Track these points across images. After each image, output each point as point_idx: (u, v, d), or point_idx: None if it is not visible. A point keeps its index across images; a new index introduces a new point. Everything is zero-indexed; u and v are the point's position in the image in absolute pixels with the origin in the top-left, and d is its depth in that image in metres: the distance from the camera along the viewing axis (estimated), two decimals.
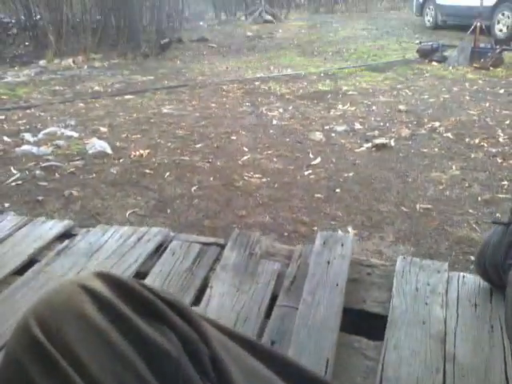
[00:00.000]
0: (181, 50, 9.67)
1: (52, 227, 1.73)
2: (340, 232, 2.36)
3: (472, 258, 2.21)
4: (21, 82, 6.93)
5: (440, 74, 6.36)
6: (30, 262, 1.55)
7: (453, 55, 6.86)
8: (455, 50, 6.95)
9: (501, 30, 9.08)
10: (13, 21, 11.66)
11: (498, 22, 9.11)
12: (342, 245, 1.38)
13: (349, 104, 4.90)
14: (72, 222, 1.82)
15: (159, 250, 1.54)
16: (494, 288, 1.21)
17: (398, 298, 1.19)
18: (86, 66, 8.04)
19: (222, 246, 1.50)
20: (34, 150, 3.66)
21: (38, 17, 10.38)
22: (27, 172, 3.28)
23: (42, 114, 4.92)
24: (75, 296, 0.48)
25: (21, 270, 1.51)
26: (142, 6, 10.19)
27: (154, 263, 1.46)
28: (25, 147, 3.72)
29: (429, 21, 11.45)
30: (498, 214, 2.59)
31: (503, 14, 9.02)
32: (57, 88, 6.30)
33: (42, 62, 8.46)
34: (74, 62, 8.29)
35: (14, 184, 3.09)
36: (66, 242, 1.62)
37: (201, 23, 14.94)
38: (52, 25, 9.36)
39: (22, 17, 10.90)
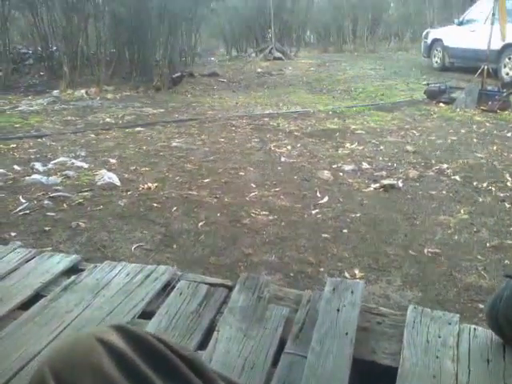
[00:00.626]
0: (192, 84, 9.86)
1: (59, 261, 1.73)
2: (349, 277, 2.34)
3: (481, 306, 2.17)
4: (34, 110, 7.06)
5: (447, 115, 6.43)
6: (36, 297, 1.54)
7: (460, 97, 6.94)
8: (463, 92, 7.04)
9: (507, 74, 9.23)
10: (30, 51, 12.00)
11: (505, 66, 9.26)
12: (352, 292, 1.37)
13: (357, 143, 4.94)
14: (79, 256, 1.82)
15: (166, 289, 1.54)
16: (506, 343, 1.19)
17: (409, 349, 1.17)
18: (98, 98, 8.19)
19: (230, 288, 1.49)
20: (44, 179, 3.70)
21: (54, 48, 10.67)
22: (35, 202, 3.30)
23: (53, 143, 4.99)
24: (92, 349, 0.48)
25: (27, 304, 1.50)
26: (156, 41, 10.43)
27: (161, 303, 1.45)
28: (34, 176, 3.76)
29: (436, 62, 11.66)
30: (506, 261, 2.56)
31: (510, 58, 9.18)
32: (69, 118, 6.41)
33: (55, 92, 8.64)
34: (86, 93, 8.46)
35: (21, 213, 3.11)
36: (73, 277, 1.62)
37: (212, 58, 15.28)
38: (67, 56, 9.60)
39: (39, 48, 11.21)
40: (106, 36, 10.27)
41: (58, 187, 3.57)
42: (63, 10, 9.54)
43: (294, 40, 18.21)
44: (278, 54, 13.88)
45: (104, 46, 10.23)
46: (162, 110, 7.02)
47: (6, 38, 10.20)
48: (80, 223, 2.95)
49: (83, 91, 8.49)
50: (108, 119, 6.38)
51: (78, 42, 9.75)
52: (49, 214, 3.11)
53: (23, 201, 3.31)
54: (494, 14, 6.80)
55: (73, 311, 1.42)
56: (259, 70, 11.81)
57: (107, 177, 3.70)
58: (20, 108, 7.30)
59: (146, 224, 2.97)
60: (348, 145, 4.89)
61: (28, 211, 3.14)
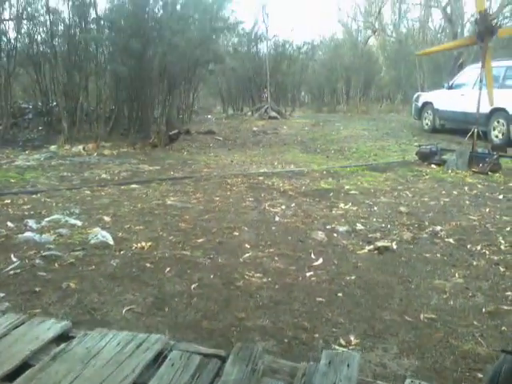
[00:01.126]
0: (188, 141, 10.06)
1: (49, 328, 1.70)
2: (344, 344, 2.30)
3: (479, 375, 2.13)
4: (30, 166, 7.13)
5: (439, 176, 6.55)
6: (24, 366, 1.50)
7: (452, 159, 7.10)
8: (454, 154, 7.21)
9: (497, 136, 9.50)
10: (30, 106, 12.28)
11: (494, 129, 9.55)
12: (348, 365, 1.35)
13: (350, 203, 4.99)
14: (69, 323, 1.79)
15: (158, 359, 1.51)
16: None
17: None
18: (95, 154, 8.31)
19: (223, 359, 1.47)
20: (37, 237, 3.68)
21: (54, 104, 10.94)
22: (27, 260, 3.27)
23: (48, 199, 5.01)
24: None
25: (13, 375, 1.46)
26: (155, 99, 10.74)
27: (152, 375, 1.42)
28: (27, 234, 3.75)
29: (427, 124, 12.01)
30: (503, 328, 2.54)
31: (498, 122, 9.48)
32: (65, 174, 6.47)
33: (53, 147, 8.77)
34: (84, 148, 8.59)
35: (12, 272, 3.07)
36: (63, 345, 1.59)
37: (209, 116, 15.67)
38: (67, 112, 9.83)
39: (39, 103, 11.48)
40: (106, 93, 10.56)
41: (51, 246, 3.55)
42: (66, 68, 9.87)
43: (289, 100, 18.79)
44: (273, 114, 14.27)
45: (104, 103, 10.50)
46: (158, 167, 7.11)
47: (8, 94, 10.47)
48: (71, 284, 2.92)
49: (80, 147, 8.62)
50: (104, 175, 6.45)
51: (79, 98, 10.02)
52: (40, 273, 3.07)
53: (14, 259, 3.28)
54: (481, 81, 7.08)
55: (61, 383, 1.38)
56: (255, 128, 12.09)
57: (101, 235, 3.69)
58: (17, 163, 7.37)
59: (138, 285, 2.94)
60: (342, 205, 4.94)
61: (19, 270, 3.10)
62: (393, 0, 22.03)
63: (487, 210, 4.90)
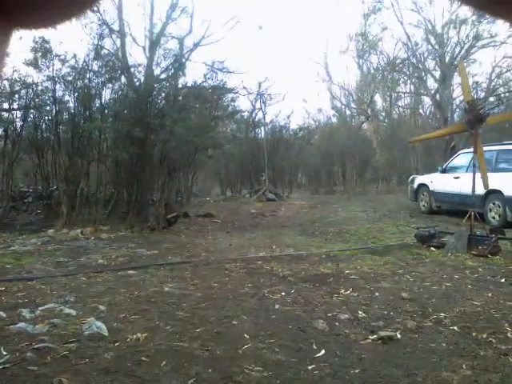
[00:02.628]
0: (187, 224, 10.10)
1: None
2: None
3: None
4: (27, 250, 7.10)
5: (439, 260, 6.51)
6: None
7: (451, 242, 7.10)
8: (452, 236, 7.23)
9: (494, 218, 9.59)
10: (30, 190, 12.47)
11: (490, 210, 9.66)
12: None
13: (351, 289, 4.92)
14: None
15: None
16: None
17: None
18: (93, 238, 8.31)
19: None
20: (30, 328, 3.58)
21: (55, 187, 11.12)
22: (18, 353, 3.15)
23: (43, 287, 4.93)
24: None
25: None
26: (154, 183, 10.94)
27: None
28: (20, 325, 3.64)
29: (424, 206, 12.16)
30: None
31: (494, 204, 9.61)
32: (61, 259, 6.42)
33: (50, 232, 8.77)
34: (82, 232, 8.60)
35: (0, 367, 2.95)
36: None
37: (207, 199, 15.87)
38: (66, 196, 9.96)
39: (40, 187, 11.67)
40: (106, 178, 10.78)
41: (44, 337, 3.44)
42: (68, 154, 10.15)
43: (287, 182, 19.15)
44: (271, 196, 14.47)
45: (104, 187, 10.68)
46: (155, 252, 7.08)
47: (10, 179, 10.67)
48: (62, 379, 2.79)
49: (78, 231, 8.63)
50: (101, 260, 6.40)
51: (79, 183, 10.20)
52: (30, 367, 2.95)
53: (4, 353, 3.16)
54: (474, 165, 7.28)
55: None
56: (253, 210, 12.20)
57: (95, 326, 3.59)
58: (13, 247, 7.35)
59: (132, 381, 2.81)
60: (343, 291, 4.86)
61: (8, 365, 2.98)
62: (383, 89, 23.20)
63: (490, 294, 4.82)
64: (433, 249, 7.17)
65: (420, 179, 12.62)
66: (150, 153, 9.97)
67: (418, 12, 19.73)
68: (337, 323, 3.89)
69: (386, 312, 4.20)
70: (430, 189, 11.81)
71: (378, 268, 5.97)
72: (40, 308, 4.09)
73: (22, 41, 10.30)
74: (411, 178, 13.28)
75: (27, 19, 0.36)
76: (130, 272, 5.64)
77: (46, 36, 9.00)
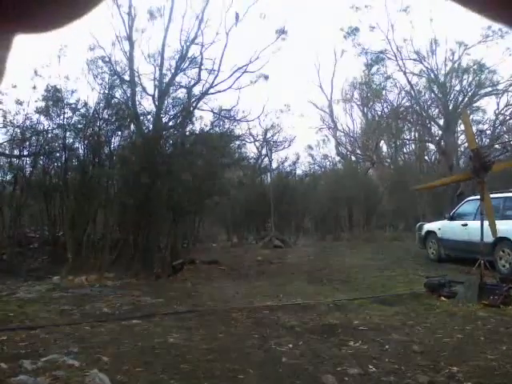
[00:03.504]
0: (192, 271, 10.02)
1: None
2: None
3: None
4: (31, 298, 7.03)
5: (450, 310, 6.37)
6: None
7: (461, 291, 6.97)
8: (463, 286, 7.10)
9: (504, 266, 9.43)
10: (37, 235, 12.49)
11: (500, 259, 9.52)
12: None
13: (360, 341, 4.80)
14: None
15: None
16: None
17: None
18: (98, 285, 8.24)
19: None
20: (31, 381, 3.50)
21: (61, 233, 11.14)
22: None
23: (47, 336, 4.85)
24: None
25: None
26: (161, 229, 10.94)
27: None
28: (21, 377, 3.56)
29: (432, 253, 12.01)
30: None
31: (503, 251, 9.48)
32: (65, 308, 6.35)
33: (55, 279, 8.72)
34: (87, 279, 8.54)
35: None
36: None
37: (214, 245, 15.80)
38: (73, 241, 9.96)
39: (46, 232, 11.69)
40: (113, 223, 10.80)
41: None
42: (76, 199, 10.23)
43: (293, 228, 19.08)
44: (277, 242, 14.41)
45: (110, 233, 10.68)
46: (160, 300, 6.99)
47: (17, 224, 10.72)
48: None
49: (84, 278, 8.58)
50: (105, 309, 6.32)
51: (86, 229, 10.22)
52: None
53: None
54: (481, 213, 7.25)
55: None
56: (259, 257, 12.11)
57: (98, 379, 3.51)
58: (18, 295, 7.29)
59: None
60: (352, 343, 4.74)
61: None
62: (388, 136, 23.49)
63: (504, 347, 4.68)
64: (443, 298, 7.03)
65: (428, 226, 12.53)
66: (156, 198, 10.02)
67: (420, 61, 20.23)
68: (346, 378, 3.77)
69: (396, 366, 4.08)
70: (438, 236, 11.70)
71: (388, 319, 5.85)
72: (42, 359, 4.01)
73: (35, 90, 10.65)
74: (419, 225, 13.19)
75: (28, 23, 0.36)
76: (134, 321, 5.55)
77: (58, 85, 9.30)
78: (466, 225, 10.43)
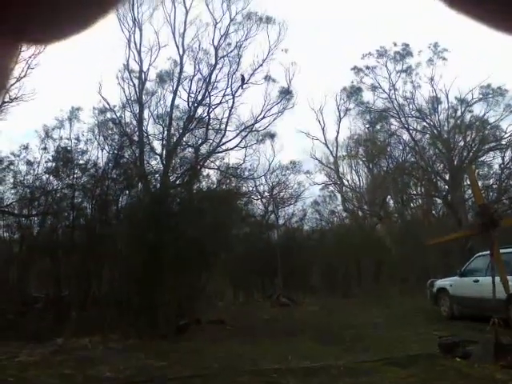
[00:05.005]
0: (198, 331, 9.78)
1: None
2: None
3: None
4: (33, 361, 6.85)
5: (466, 372, 6.10)
6: None
7: (476, 351, 6.71)
8: (478, 345, 6.84)
9: None
10: (42, 295, 12.34)
11: None
12: None
13: None
14: None
15: None
16: None
17: None
18: (101, 347, 8.03)
19: None
20: None
21: (66, 293, 11.01)
22: None
23: None
24: None
25: None
26: (166, 286, 10.79)
27: None
28: None
29: (445, 311, 11.69)
30: None
31: None
32: (67, 372, 6.16)
33: (59, 340, 8.52)
34: (90, 341, 8.34)
35: None
36: None
37: (220, 303, 15.51)
38: (77, 301, 9.83)
39: (51, 292, 11.56)
40: (118, 281, 10.69)
41: None
42: (82, 258, 10.19)
43: (301, 285, 18.77)
44: (285, 300, 14.13)
45: (114, 291, 10.55)
46: (164, 363, 6.78)
47: (22, 285, 10.65)
48: None
49: (87, 339, 8.39)
50: (108, 373, 6.12)
51: (91, 287, 10.12)
52: None
53: None
54: (493, 269, 7.11)
55: None
56: (266, 316, 11.84)
57: None
58: (19, 358, 7.11)
59: None
60: None
61: None
62: (395, 191, 23.55)
63: None
64: (458, 359, 6.76)
65: (439, 283, 12.28)
66: (162, 255, 9.98)
67: (422, 119, 20.62)
68: None
69: None
70: (450, 293, 11.44)
71: (402, 382, 5.60)
72: None
73: (46, 151, 10.92)
74: (430, 281, 12.94)
75: (32, 35, 0.36)
76: None
77: (69, 146, 9.53)
78: (477, 281, 10.21)
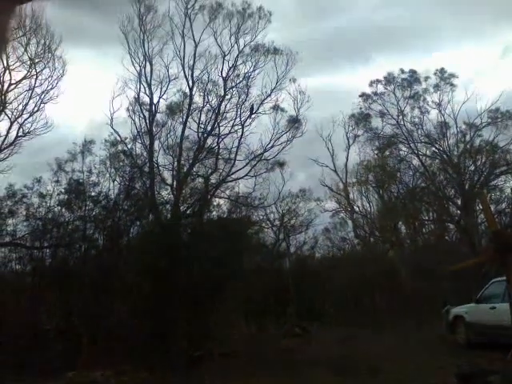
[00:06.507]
0: (210, 363, 9.62)
1: None
2: None
3: None
4: None
5: None
6: None
7: (496, 381, 6.52)
8: (498, 376, 6.65)
9: None
10: (52, 328, 12.26)
11: None
12: None
13: None
14: None
15: None
16: None
17: None
18: (113, 380, 7.94)
19: None
20: None
21: (77, 324, 10.94)
22: None
23: None
24: None
25: None
26: (177, 318, 10.71)
27: None
28: None
29: (461, 339, 11.43)
30: None
31: None
32: None
33: (70, 374, 8.44)
34: (102, 374, 8.24)
35: None
36: None
37: (232, 333, 15.28)
38: (89, 334, 9.75)
39: (62, 324, 11.49)
40: (129, 312, 10.61)
41: None
42: (93, 288, 10.16)
43: (314, 314, 18.49)
44: (298, 331, 13.92)
45: (125, 325, 10.47)
46: None
47: (33, 316, 10.60)
48: None
49: (98, 373, 8.30)
50: None
51: (101, 318, 10.05)
52: None
53: None
54: (510, 296, 6.97)
55: None
56: (280, 348, 11.65)
57: None
58: None
59: None
60: None
61: None
62: (406, 216, 23.36)
63: None
64: None
65: (455, 311, 12.04)
66: (174, 285, 9.94)
67: (431, 144, 20.62)
68: None
69: None
70: (467, 320, 11.19)
71: None
72: None
73: (58, 184, 11.05)
74: (445, 308, 12.69)
75: None
76: None
77: (81, 179, 9.64)
78: (494, 308, 10.00)
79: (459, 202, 20.71)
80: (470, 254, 16.05)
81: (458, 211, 20.82)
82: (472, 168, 20.55)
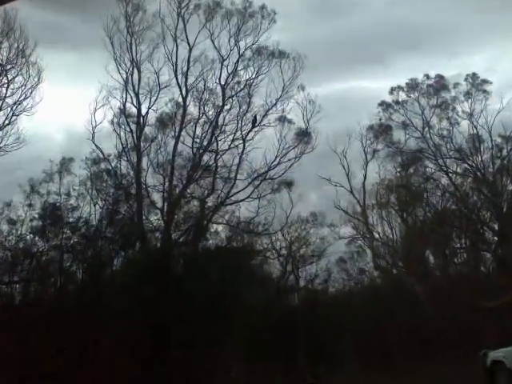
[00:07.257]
0: None
1: None
2: None
3: None
4: None
5: None
6: None
7: None
8: None
9: None
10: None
11: None
12: None
13: None
14: None
15: None
16: None
17: None
18: None
19: None
20: None
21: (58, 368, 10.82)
22: None
23: None
24: None
25: None
26: (169, 366, 10.59)
27: None
28: None
29: None
30: None
31: None
32: None
33: None
34: None
35: None
36: None
37: (232, 373, 15.04)
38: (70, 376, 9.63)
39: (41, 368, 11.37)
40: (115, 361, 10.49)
41: None
42: (71, 327, 10.08)
43: (328, 357, 18.22)
44: (310, 379, 13.70)
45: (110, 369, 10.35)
46: None
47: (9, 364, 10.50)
48: None
49: None
50: None
51: (83, 360, 9.94)
52: None
53: None
54: None
55: None
56: None
57: None
58: None
59: None
60: None
61: None
62: (435, 244, 23.17)
63: None
64: None
65: (494, 355, 11.81)
66: (164, 331, 9.84)
67: (463, 160, 20.56)
68: None
69: None
70: (507, 367, 10.98)
71: None
72: None
73: (31, 208, 11.02)
74: (483, 352, 12.46)
75: None
76: None
77: (58, 203, 9.62)
78: None
79: (496, 226, 20.56)
80: (509, 288, 15.84)
81: (495, 238, 20.65)
82: (510, 188, 20.45)
